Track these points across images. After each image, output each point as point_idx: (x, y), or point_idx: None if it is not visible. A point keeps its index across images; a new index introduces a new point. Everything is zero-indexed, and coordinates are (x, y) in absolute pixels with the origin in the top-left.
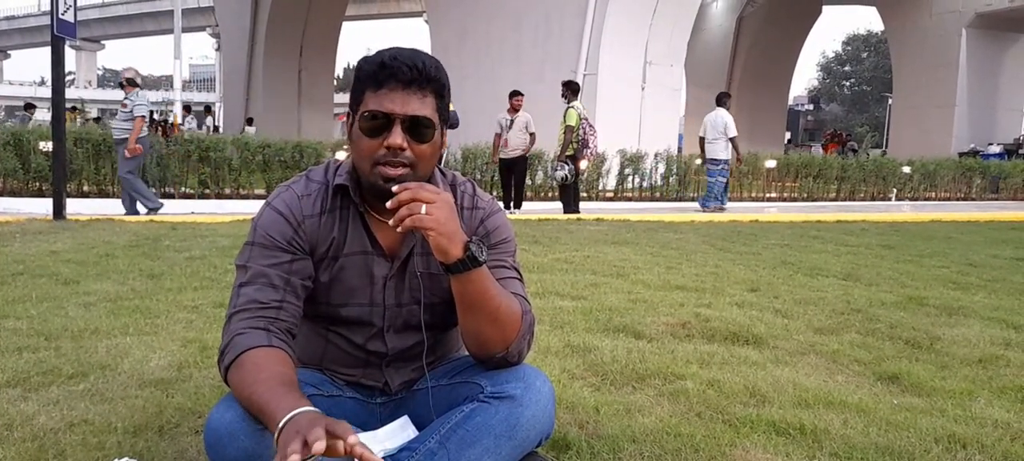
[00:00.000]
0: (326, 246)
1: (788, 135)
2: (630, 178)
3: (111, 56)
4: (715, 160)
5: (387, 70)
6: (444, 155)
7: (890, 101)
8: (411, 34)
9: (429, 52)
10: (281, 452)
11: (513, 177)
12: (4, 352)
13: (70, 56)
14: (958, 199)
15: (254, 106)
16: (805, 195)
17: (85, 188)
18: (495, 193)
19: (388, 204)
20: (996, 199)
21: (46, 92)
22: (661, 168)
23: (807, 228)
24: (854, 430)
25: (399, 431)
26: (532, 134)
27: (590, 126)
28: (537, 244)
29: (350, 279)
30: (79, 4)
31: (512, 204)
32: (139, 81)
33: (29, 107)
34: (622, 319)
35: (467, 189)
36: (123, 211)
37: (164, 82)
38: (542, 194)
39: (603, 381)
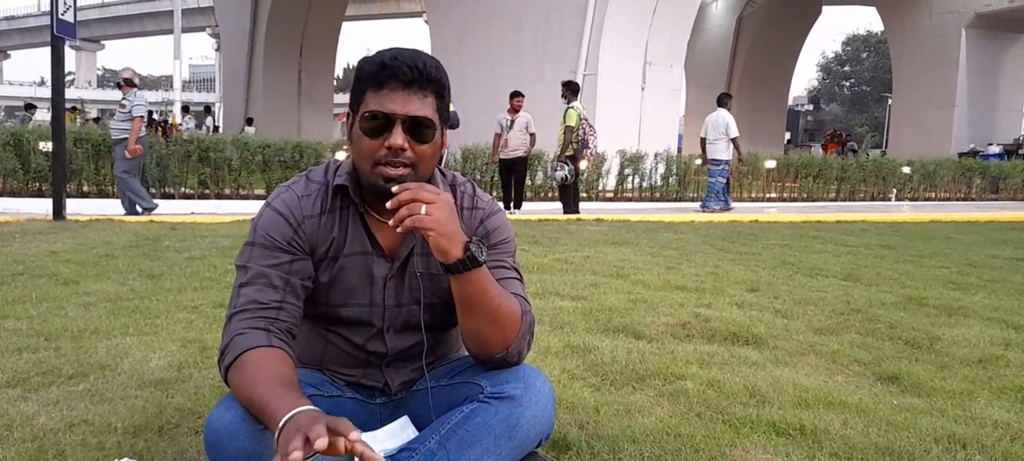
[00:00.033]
0: (326, 246)
1: (788, 135)
2: (630, 178)
3: (111, 56)
4: (716, 160)
5: (388, 70)
6: (444, 156)
7: (890, 101)
8: (411, 34)
9: (429, 52)
10: (282, 450)
11: (513, 177)
12: (4, 352)
13: (70, 56)
14: (958, 199)
15: (254, 106)
16: (805, 195)
17: (85, 188)
18: (495, 193)
19: (388, 204)
20: (996, 199)
21: (46, 92)
22: (661, 168)
23: (807, 228)
24: (854, 430)
25: (399, 431)
26: (532, 135)
27: (590, 126)
28: (537, 244)
29: (350, 279)
30: (79, 4)
31: (512, 204)
32: (137, 81)
33: (30, 107)
34: (622, 319)
35: (467, 189)
36: (123, 211)
37: (164, 82)
38: (542, 194)
39: (603, 381)
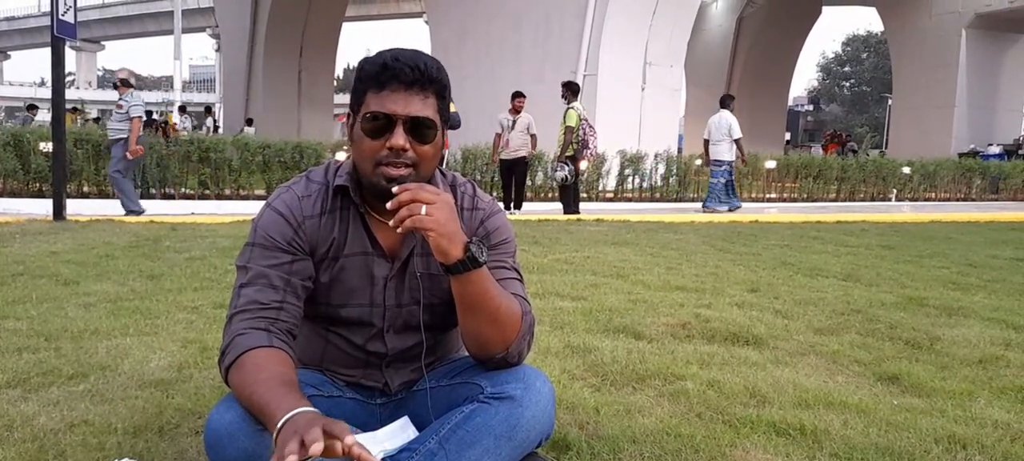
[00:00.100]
0: (326, 247)
1: (788, 136)
2: (630, 179)
3: (111, 57)
4: (719, 161)
5: (389, 71)
6: (445, 156)
7: (890, 102)
8: (411, 35)
9: (429, 52)
10: (278, 452)
11: (513, 178)
12: (4, 353)
13: (70, 57)
14: (958, 200)
15: (254, 107)
16: (805, 196)
17: (85, 189)
18: (495, 194)
19: (388, 205)
20: (996, 200)
21: (46, 93)
22: (661, 169)
23: (807, 229)
24: (854, 430)
25: (399, 432)
26: (533, 136)
27: (590, 127)
28: (537, 245)
29: (350, 280)
30: (79, 4)
31: (512, 205)
32: (133, 82)
33: (32, 108)
34: (622, 320)
35: (467, 190)
36: (123, 212)
37: (164, 83)
38: (542, 195)
39: (603, 382)
